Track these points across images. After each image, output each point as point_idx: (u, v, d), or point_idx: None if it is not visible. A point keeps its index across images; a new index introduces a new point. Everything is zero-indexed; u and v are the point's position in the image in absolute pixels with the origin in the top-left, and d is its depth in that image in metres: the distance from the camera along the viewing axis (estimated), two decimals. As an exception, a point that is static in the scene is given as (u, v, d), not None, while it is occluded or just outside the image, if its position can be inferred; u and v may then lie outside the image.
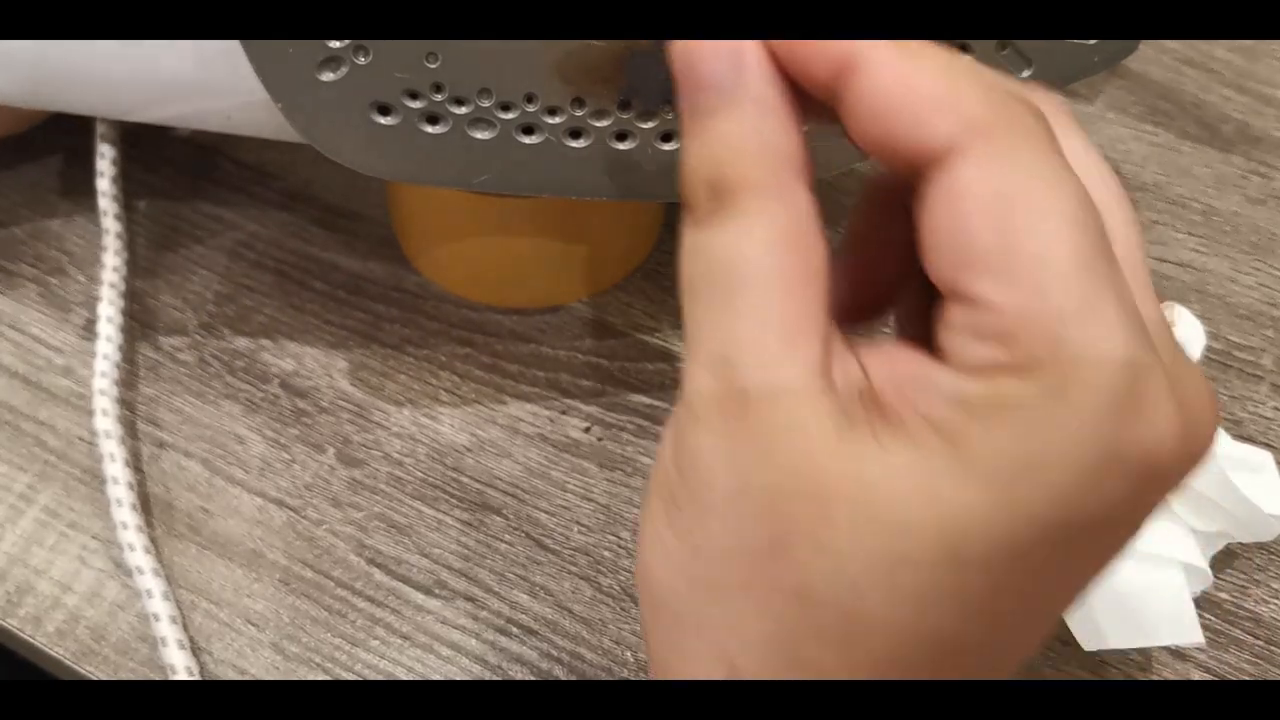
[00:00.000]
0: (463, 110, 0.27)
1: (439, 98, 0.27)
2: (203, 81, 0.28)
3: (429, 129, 0.27)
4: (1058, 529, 0.17)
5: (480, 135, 0.27)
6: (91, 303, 0.36)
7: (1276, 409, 0.35)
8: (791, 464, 0.18)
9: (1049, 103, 0.19)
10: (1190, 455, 0.18)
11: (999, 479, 0.17)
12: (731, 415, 0.18)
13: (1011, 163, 0.17)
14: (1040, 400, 0.17)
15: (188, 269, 0.37)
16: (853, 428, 0.18)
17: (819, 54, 0.19)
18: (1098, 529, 0.18)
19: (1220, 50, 0.43)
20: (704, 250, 0.19)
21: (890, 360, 0.19)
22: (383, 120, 0.27)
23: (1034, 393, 0.17)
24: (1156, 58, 0.43)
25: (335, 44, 0.26)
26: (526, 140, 0.28)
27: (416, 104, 0.27)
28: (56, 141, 0.38)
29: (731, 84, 0.19)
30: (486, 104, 0.27)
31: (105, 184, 0.34)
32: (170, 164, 0.39)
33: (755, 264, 0.18)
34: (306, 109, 0.27)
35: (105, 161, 0.34)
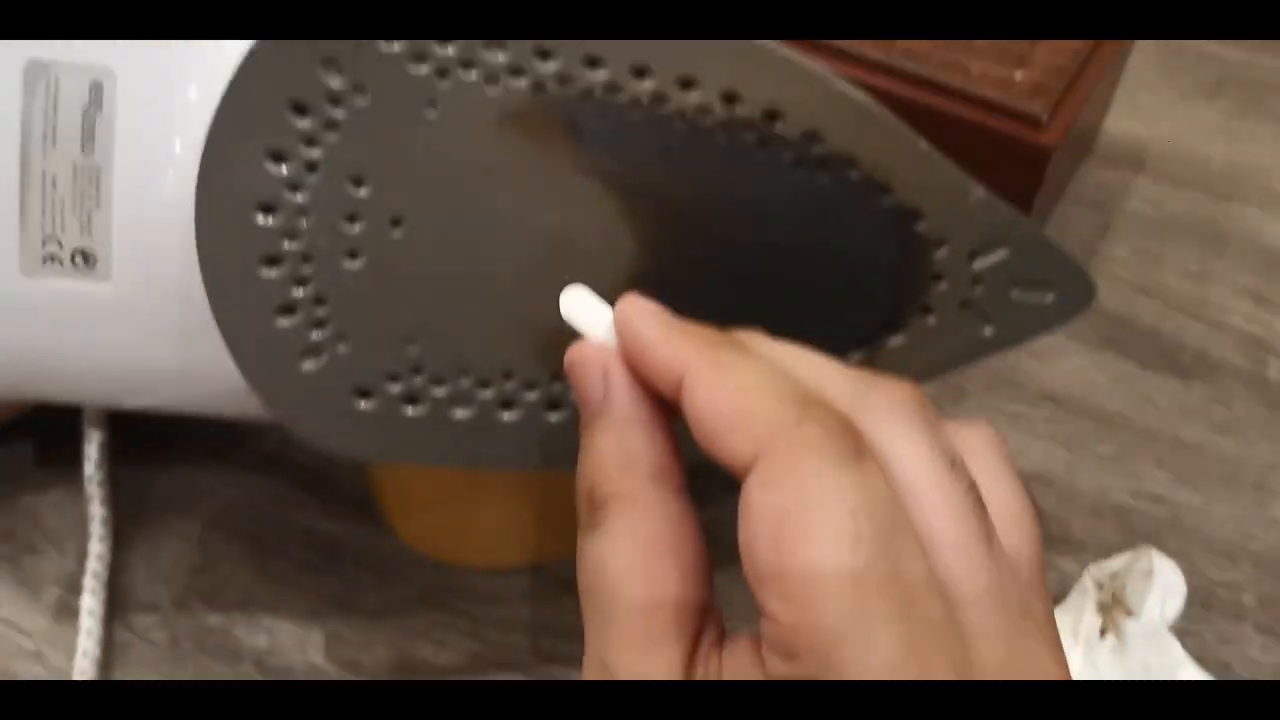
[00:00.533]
0: (442, 390, 0.27)
1: (418, 380, 0.27)
2: (185, 371, 0.28)
3: (409, 410, 0.27)
4: None
5: (460, 413, 0.28)
6: (64, 580, 0.35)
7: (1263, 648, 0.35)
8: None
9: (899, 395, 0.21)
10: None
11: None
12: None
13: (789, 479, 0.18)
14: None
15: (161, 539, 0.36)
16: None
17: (660, 369, 0.21)
18: None
19: (1171, 277, 0.45)
20: (584, 557, 0.21)
21: (735, 666, 0.20)
22: (363, 404, 0.27)
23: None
24: (1110, 286, 0.44)
25: (316, 335, 0.27)
26: (506, 416, 0.28)
27: (396, 387, 0.27)
28: (34, 411, 0.38)
29: (599, 401, 0.21)
30: (465, 383, 0.27)
31: (92, 469, 0.34)
32: (145, 425, 0.39)
33: (620, 576, 0.20)
34: (288, 398, 0.27)
35: (93, 446, 0.34)
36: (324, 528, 0.37)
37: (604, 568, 0.20)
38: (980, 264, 0.28)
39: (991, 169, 0.30)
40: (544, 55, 0.26)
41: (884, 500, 0.19)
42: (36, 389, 0.29)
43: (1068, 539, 0.37)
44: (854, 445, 0.19)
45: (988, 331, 0.29)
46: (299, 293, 0.26)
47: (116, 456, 0.38)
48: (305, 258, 0.26)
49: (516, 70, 0.26)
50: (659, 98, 0.26)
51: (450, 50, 0.26)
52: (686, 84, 0.26)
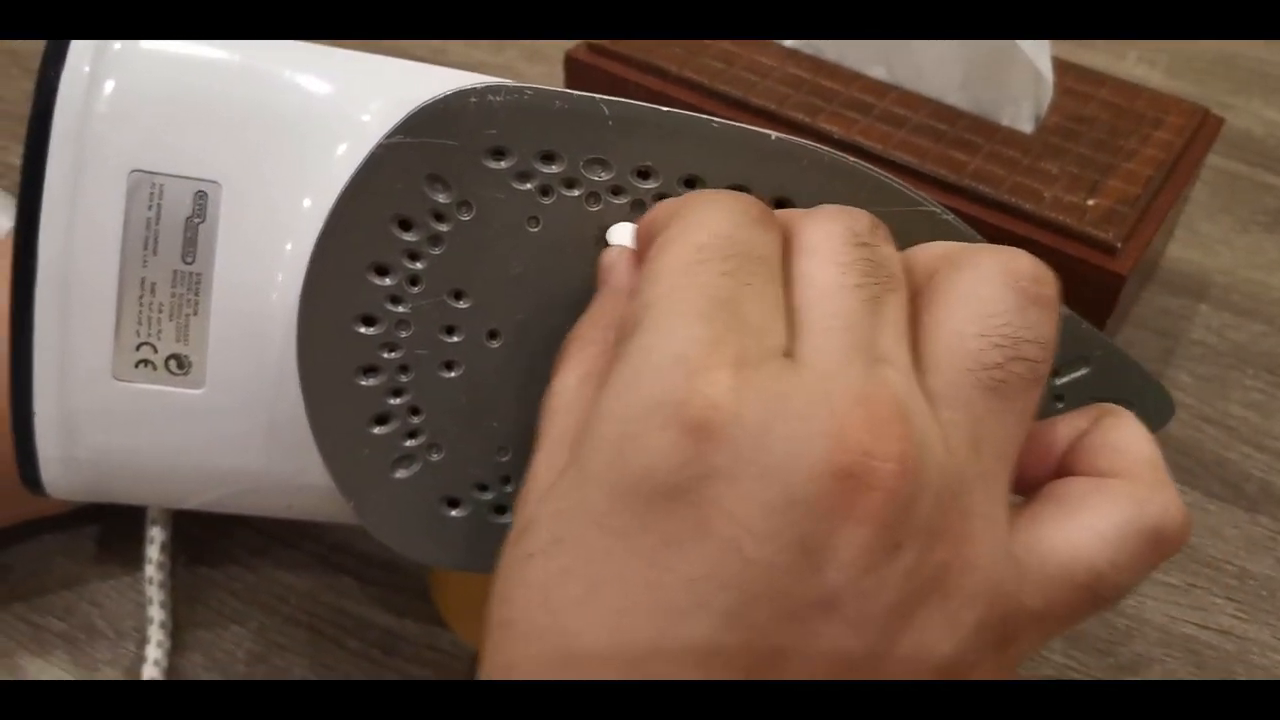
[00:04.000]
0: None
1: (508, 489, 0.27)
2: (271, 476, 0.28)
3: (498, 519, 0.28)
4: (619, 492, 0.19)
5: None
6: (121, 665, 0.35)
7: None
8: None
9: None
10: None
11: (578, 452, 0.21)
12: None
13: (678, 210, 0.23)
14: (612, 366, 0.21)
15: (220, 625, 0.36)
16: None
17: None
18: (667, 492, 0.19)
19: (1235, 407, 0.45)
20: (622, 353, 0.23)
21: None
22: (452, 513, 0.27)
23: (612, 363, 0.21)
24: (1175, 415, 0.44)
25: (409, 442, 0.27)
26: None
27: (486, 495, 0.27)
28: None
29: (604, 278, 0.26)
30: None
31: (152, 570, 0.34)
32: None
33: (563, 388, 0.24)
34: (378, 506, 0.27)
35: (154, 547, 0.34)
36: (382, 621, 0.37)
37: (554, 393, 0.23)
38: (1062, 380, 0.28)
39: (1064, 293, 0.31)
40: (643, 175, 0.26)
41: (748, 240, 0.21)
42: (122, 491, 0.29)
43: (1136, 667, 0.37)
44: (757, 211, 0.22)
45: None
46: (395, 402, 0.27)
47: (178, 535, 0.38)
48: (403, 368, 0.27)
49: (617, 190, 0.27)
50: None
51: (554, 169, 0.26)
52: (780, 204, 0.27)
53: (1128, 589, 0.21)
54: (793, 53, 0.46)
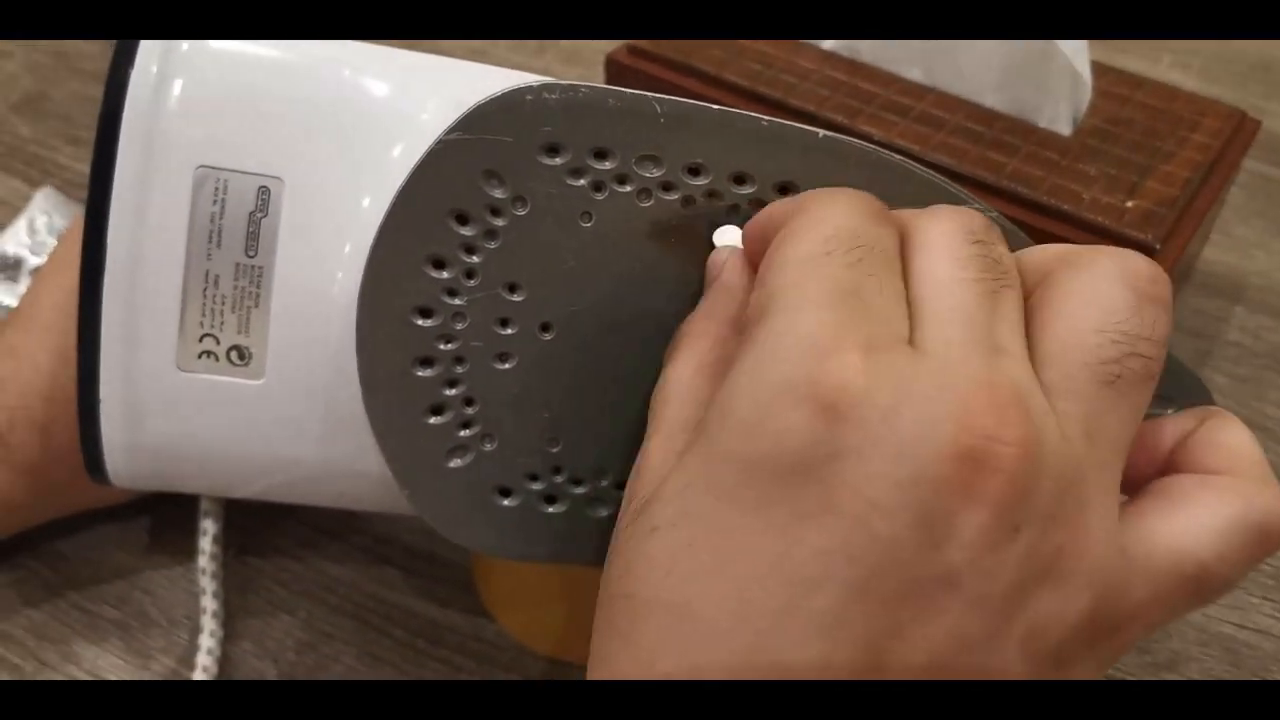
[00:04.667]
0: (580, 490, 0.28)
1: (558, 479, 0.28)
2: (326, 466, 0.29)
3: (548, 509, 0.28)
4: (748, 467, 0.20)
5: (599, 513, 0.28)
6: (174, 653, 0.36)
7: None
8: None
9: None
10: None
11: (705, 429, 0.21)
12: None
13: (800, 205, 0.24)
14: (741, 349, 0.21)
15: (269, 614, 0.37)
16: None
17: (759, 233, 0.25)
18: (797, 468, 0.19)
19: (1272, 408, 0.45)
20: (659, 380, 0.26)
21: None
22: (504, 502, 0.28)
23: (741, 346, 0.22)
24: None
25: (464, 432, 0.27)
26: None
27: (536, 485, 0.28)
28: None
29: (713, 277, 0.27)
30: (604, 483, 0.28)
31: (205, 561, 0.35)
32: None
33: (678, 377, 0.25)
34: (432, 494, 0.28)
35: (207, 539, 0.35)
36: (427, 611, 0.37)
37: (668, 381, 0.25)
38: None
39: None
40: (694, 171, 0.27)
41: (871, 234, 0.22)
42: (182, 478, 0.30)
43: (1174, 665, 0.37)
44: (876, 208, 0.23)
45: None
46: (450, 393, 0.27)
47: (228, 527, 0.39)
48: (458, 360, 0.27)
49: (668, 186, 0.27)
50: None
51: (607, 165, 0.27)
52: None
53: (1232, 584, 0.22)
54: (830, 55, 0.46)
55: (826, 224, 0.22)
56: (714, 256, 0.27)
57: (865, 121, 0.43)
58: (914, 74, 0.46)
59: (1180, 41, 0.64)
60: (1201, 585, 0.21)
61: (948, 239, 0.23)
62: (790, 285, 0.21)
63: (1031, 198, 0.41)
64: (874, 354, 0.20)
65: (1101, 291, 0.21)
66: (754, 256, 0.25)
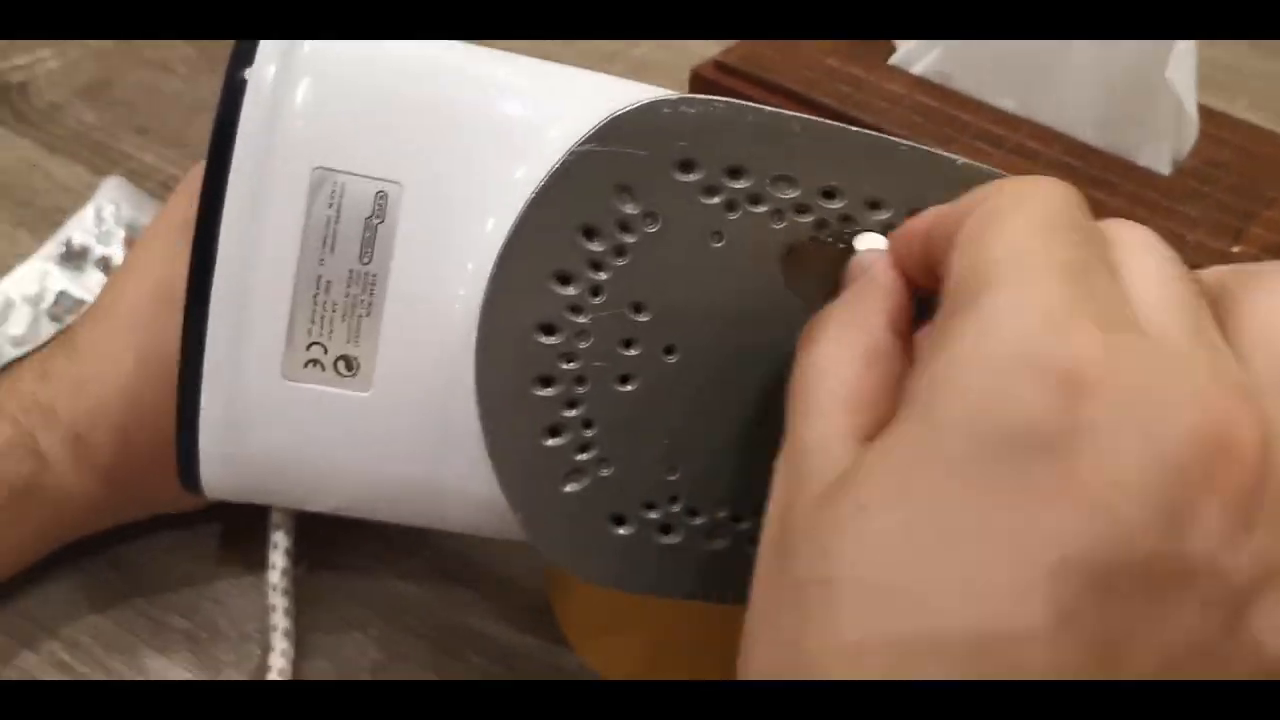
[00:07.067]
0: (697, 521, 0.27)
1: (675, 509, 0.27)
2: (432, 486, 0.28)
3: (662, 539, 0.27)
4: (979, 439, 0.18)
5: (714, 546, 0.27)
6: (243, 665, 0.34)
7: None
8: None
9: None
10: (1122, 393, 0.18)
11: (921, 401, 0.19)
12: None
13: (1002, 198, 0.22)
14: (958, 320, 0.20)
15: (341, 631, 0.36)
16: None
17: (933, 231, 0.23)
18: (1034, 442, 0.18)
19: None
20: (796, 365, 0.23)
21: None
22: (618, 530, 0.27)
23: (956, 317, 0.20)
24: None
25: (581, 456, 0.26)
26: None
27: (653, 514, 0.27)
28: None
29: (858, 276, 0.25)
30: (722, 514, 0.27)
31: (276, 577, 0.33)
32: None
33: (829, 362, 0.22)
34: (545, 519, 0.26)
35: (278, 553, 0.33)
36: (503, 637, 0.36)
37: (816, 362, 0.22)
38: None
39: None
40: (829, 195, 0.26)
41: (1087, 228, 0.21)
42: (279, 492, 0.29)
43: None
44: (1083, 199, 0.22)
45: None
46: (569, 414, 0.26)
47: (302, 538, 0.38)
48: (579, 380, 0.26)
49: (802, 209, 0.26)
50: None
51: (741, 184, 0.26)
52: None
53: None
54: (921, 80, 0.46)
55: (1048, 203, 0.21)
56: (858, 259, 0.25)
57: (959, 150, 0.42)
58: (1007, 104, 0.45)
59: (1258, 83, 0.63)
60: None
61: (1147, 245, 0.22)
62: (1018, 256, 0.20)
63: (1134, 236, 0.40)
64: (1113, 331, 0.19)
65: None
66: (908, 258, 0.24)
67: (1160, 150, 0.42)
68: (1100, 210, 0.40)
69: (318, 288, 0.27)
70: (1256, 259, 0.39)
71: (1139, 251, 0.21)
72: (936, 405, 0.19)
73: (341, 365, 0.27)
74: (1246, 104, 0.62)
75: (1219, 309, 0.22)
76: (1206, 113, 0.46)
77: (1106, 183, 0.42)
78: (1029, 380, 0.18)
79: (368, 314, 0.27)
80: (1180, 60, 0.41)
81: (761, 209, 0.26)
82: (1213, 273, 0.23)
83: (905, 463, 0.19)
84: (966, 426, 0.19)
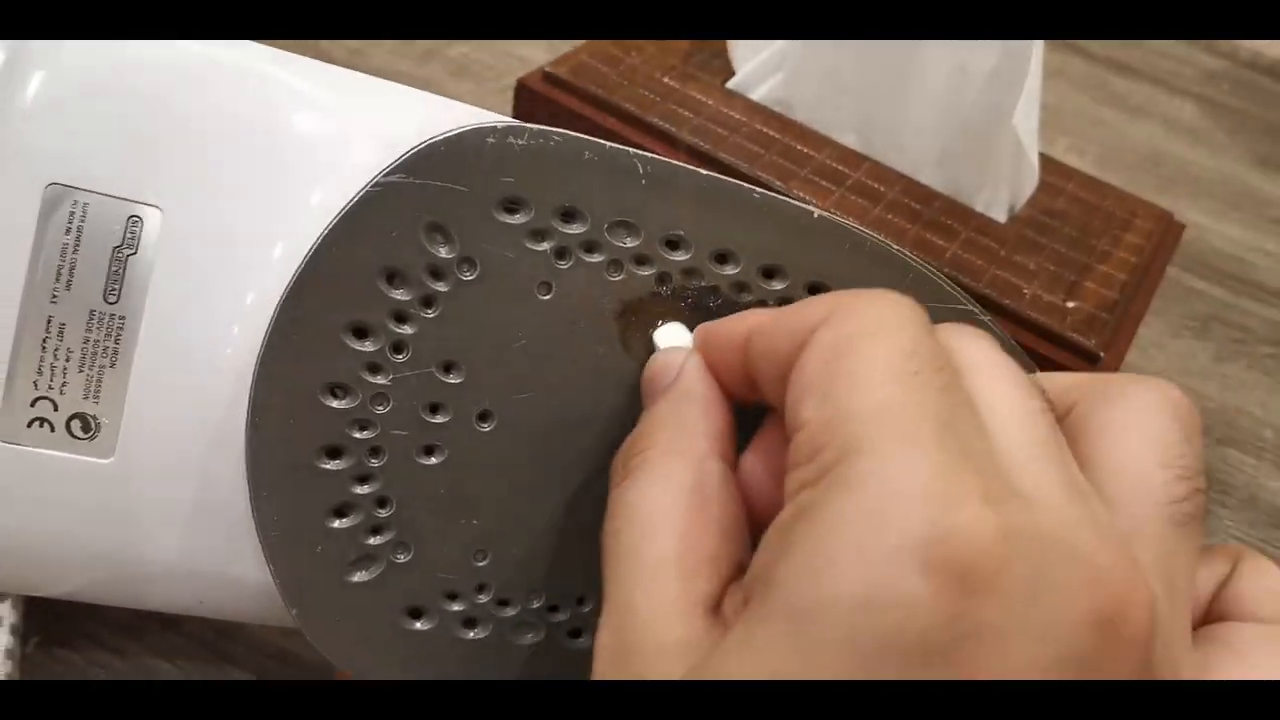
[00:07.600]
0: (507, 612, 0.23)
1: (482, 599, 0.23)
2: (188, 568, 0.23)
3: (466, 633, 0.23)
4: (858, 648, 0.16)
5: (525, 639, 0.23)
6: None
7: None
8: None
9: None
10: (1020, 570, 0.16)
11: (787, 588, 0.16)
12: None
13: (851, 318, 0.19)
14: (823, 493, 0.17)
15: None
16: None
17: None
18: (925, 651, 0.16)
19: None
20: (617, 503, 0.20)
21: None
22: (415, 625, 0.23)
23: (821, 489, 0.17)
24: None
25: (373, 540, 0.22)
26: (576, 644, 0.24)
27: (456, 606, 0.23)
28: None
29: (667, 382, 0.22)
30: (535, 605, 0.23)
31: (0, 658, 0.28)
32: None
33: (656, 517, 0.20)
34: (325, 612, 0.22)
35: (3, 629, 0.28)
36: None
37: (640, 509, 0.20)
38: None
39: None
40: (673, 245, 0.23)
41: (941, 358, 0.18)
42: (2, 579, 0.24)
43: None
44: (927, 319, 0.19)
45: None
46: (360, 491, 0.22)
47: (29, 607, 0.32)
48: (375, 451, 0.22)
49: (642, 260, 0.23)
50: (786, 302, 0.23)
51: (575, 229, 0.22)
52: (814, 289, 0.23)
53: None
54: (760, 108, 0.43)
55: (901, 333, 0.18)
56: (660, 359, 0.23)
57: (799, 186, 0.40)
58: (848, 139, 0.43)
59: (1077, 127, 0.64)
60: None
61: (994, 362, 0.20)
62: (883, 411, 0.17)
63: (974, 289, 0.38)
64: (996, 506, 0.16)
65: (1154, 425, 0.20)
66: (723, 370, 0.21)
67: (998, 195, 0.41)
68: (938, 256, 0.39)
69: (48, 331, 0.22)
70: (1091, 317, 0.38)
71: (991, 378, 0.19)
72: (805, 599, 0.16)
73: (77, 426, 0.22)
74: (1065, 146, 0.62)
75: (1068, 429, 0.20)
76: (1044, 160, 0.45)
77: (947, 228, 0.40)
78: (915, 575, 0.16)
79: (112, 365, 0.22)
80: (1027, 106, 0.39)
81: (597, 258, 0.23)
82: (1057, 386, 0.22)
83: (769, 665, 0.16)
84: (845, 631, 0.16)
